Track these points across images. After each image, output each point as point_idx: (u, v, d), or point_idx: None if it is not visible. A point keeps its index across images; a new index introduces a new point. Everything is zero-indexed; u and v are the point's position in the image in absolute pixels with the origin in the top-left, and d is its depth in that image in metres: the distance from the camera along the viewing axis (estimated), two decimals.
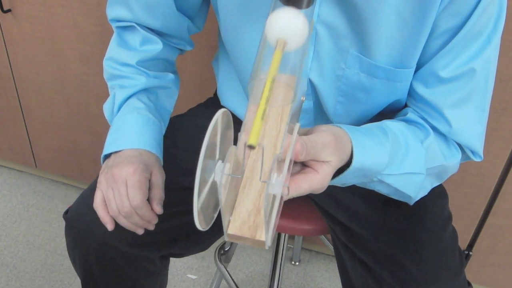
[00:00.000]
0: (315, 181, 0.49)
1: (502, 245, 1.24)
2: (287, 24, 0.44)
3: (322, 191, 0.51)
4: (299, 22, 0.44)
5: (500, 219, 1.19)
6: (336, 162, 0.51)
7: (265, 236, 0.41)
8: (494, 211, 1.18)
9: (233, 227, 0.43)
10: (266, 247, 0.41)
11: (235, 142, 0.47)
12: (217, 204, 0.42)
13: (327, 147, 0.50)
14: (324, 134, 0.51)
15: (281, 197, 0.44)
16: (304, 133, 0.55)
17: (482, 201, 1.19)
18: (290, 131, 0.50)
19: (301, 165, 0.52)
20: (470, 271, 1.32)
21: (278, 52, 0.43)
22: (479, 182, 1.15)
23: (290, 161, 0.45)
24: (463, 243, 1.27)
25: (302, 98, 0.52)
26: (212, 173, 0.42)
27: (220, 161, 0.42)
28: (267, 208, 0.39)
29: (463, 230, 1.24)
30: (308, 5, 0.46)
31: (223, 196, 0.40)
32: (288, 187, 0.46)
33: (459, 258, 0.71)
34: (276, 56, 0.43)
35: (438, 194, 0.76)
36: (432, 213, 0.74)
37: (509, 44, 0.94)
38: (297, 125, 0.50)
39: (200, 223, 0.42)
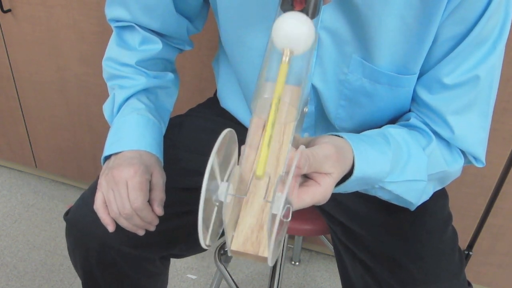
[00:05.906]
0: (317, 194, 0.49)
1: (502, 245, 1.24)
2: (293, 31, 0.43)
3: (324, 202, 0.51)
4: (305, 28, 0.43)
5: (500, 219, 1.19)
6: (338, 173, 0.51)
7: (268, 253, 0.41)
8: (494, 211, 1.18)
9: (236, 243, 0.43)
10: (270, 264, 0.41)
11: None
12: (221, 220, 0.42)
13: (329, 159, 0.50)
14: (326, 146, 0.51)
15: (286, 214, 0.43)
16: (305, 143, 0.55)
17: (482, 201, 1.18)
18: (295, 143, 0.50)
19: (303, 177, 0.51)
20: (470, 271, 1.32)
21: (284, 66, 0.42)
22: (479, 182, 1.15)
23: (293, 176, 0.44)
24: (463, 243, 1.27)
25: (305, 109, 0.52)
26: (216, 191, 0.42)
27: (224, 182, 0.42)
28: (270, 228, 0.39)
29: (463, 230, 1.24)
30: (313, 16, 0.45)
31: (227, 215, 0.40)
32: (291, 206, 0.46)
33: (459, 258, 0.71)
34: (282, 71, 0.42)
35: (438, 194, 0.76)
36: (432, 213, 0.74)
37: (509, 44, 0.94)
38: (301, 146, 0.49)
39: (204, 240, 0.41)
